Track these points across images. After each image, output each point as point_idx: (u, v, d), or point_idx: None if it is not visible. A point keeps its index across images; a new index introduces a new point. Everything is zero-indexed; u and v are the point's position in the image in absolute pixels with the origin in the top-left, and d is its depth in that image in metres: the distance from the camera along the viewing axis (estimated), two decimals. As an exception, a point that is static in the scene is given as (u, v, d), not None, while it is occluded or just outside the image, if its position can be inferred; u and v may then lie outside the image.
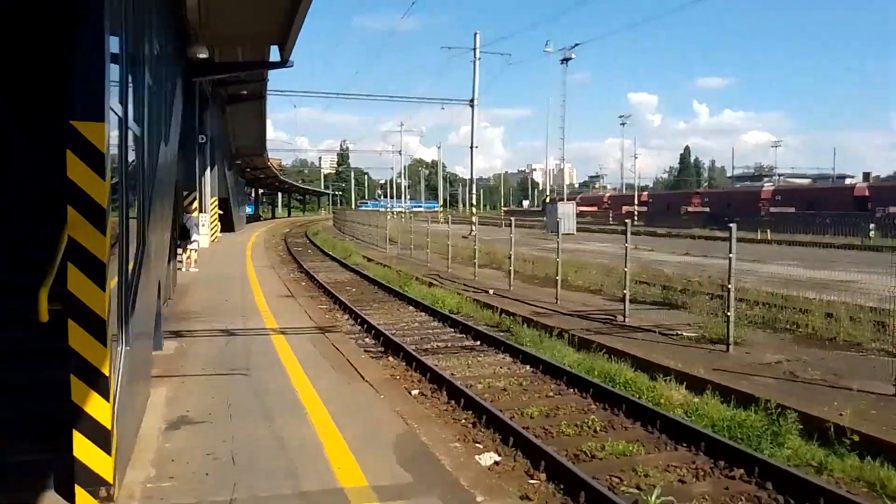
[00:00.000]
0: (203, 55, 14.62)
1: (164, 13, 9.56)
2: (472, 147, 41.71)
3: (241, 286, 16.84)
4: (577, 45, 61.64)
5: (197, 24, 13.32)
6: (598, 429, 7.60)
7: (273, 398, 6.82)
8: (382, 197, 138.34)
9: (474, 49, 43.08)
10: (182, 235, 19.08)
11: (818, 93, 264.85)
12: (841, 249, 30.89)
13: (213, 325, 11.16)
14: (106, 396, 4.34)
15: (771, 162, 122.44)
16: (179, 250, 18.84)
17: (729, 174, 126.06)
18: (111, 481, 4.41)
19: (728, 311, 10.51)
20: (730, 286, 10.52)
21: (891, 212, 48.62)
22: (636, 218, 70.89)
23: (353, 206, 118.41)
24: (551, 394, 9.03)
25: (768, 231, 41.70)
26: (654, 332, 11.83)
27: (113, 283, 4.84)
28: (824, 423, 6.93)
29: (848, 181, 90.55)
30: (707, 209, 73.28)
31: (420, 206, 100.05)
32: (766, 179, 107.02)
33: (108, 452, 4.36)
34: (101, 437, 4.33)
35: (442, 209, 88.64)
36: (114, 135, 4.86)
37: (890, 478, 5.85)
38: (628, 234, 13.45)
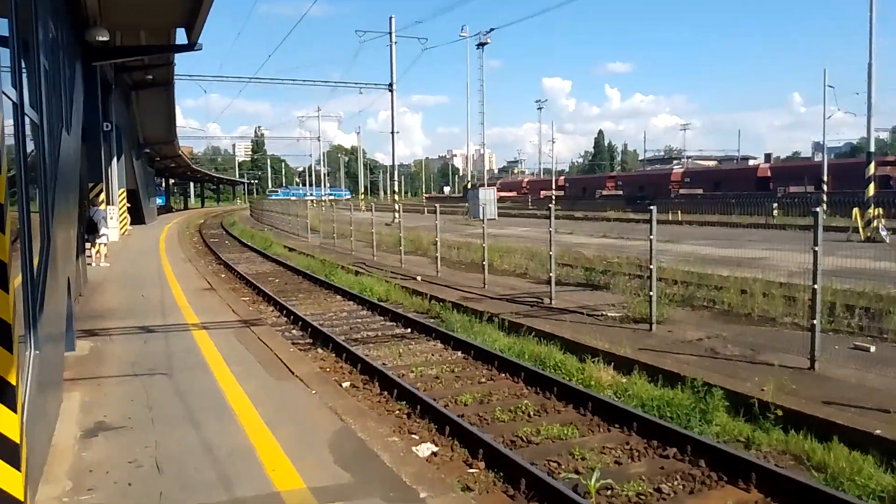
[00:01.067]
0: (103, 38, 13.77)
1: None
2: (392, 132, 41.36)
3: (157, 281, 16.09)
4: (492, 29, 61.79)
5: (96, 6, 12.52)
6: (531, 413, 7.62)
7: (198, 400, 6.48)
8: (301, 185, 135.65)
9: (390, 33, 42.63)
10: (90, 229, 18.08)
11: (719, 75, 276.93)
12: (748, 228, 32.43)
13: (129, 323, 10.58)
14: (13, 407, 3.96)
15: (679, 144, 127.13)
16: (88, 245, 17.84)
17: (641, 157, 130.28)
18: (22, 498, 4.04)
19: (650, 291, 10.74)
20: (651, 267, 10.75)
21: (791, 191, 51.30)
22: (554, 202, 72.26)
23: (234, 197, 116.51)
24: (484, 380, 9.00)
25: (679, 212, 43.27)
26: (581, 313, 12.01)
27: (16, 282, 4.44)
28: (748, 398, 7.16)
29: (751, 162, 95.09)
30: (621, 192, 75.52)
31: (331, 194, 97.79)
32: (675, 162, 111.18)
33: (18, 468, 3.99)
34: (8, 452, 3.95)
35: (363, 196, 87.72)
36: (8, 123, 4.45)
37: (814, 449, 6.10)
38: (552, 218, 13.56)
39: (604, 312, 11.92)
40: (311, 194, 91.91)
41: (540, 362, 9.31)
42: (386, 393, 8.33)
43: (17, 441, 3.94)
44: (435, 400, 7.83)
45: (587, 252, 20.41)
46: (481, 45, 66.43)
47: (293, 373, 7.56)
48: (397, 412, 7.68)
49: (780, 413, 6.81)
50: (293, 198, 79.30)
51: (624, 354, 9.08)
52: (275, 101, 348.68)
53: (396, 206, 41.38)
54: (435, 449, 6.54)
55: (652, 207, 10.88)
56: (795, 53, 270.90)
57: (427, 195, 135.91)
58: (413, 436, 6.90)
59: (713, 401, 7.11)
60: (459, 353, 10.30)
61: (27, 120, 5.23)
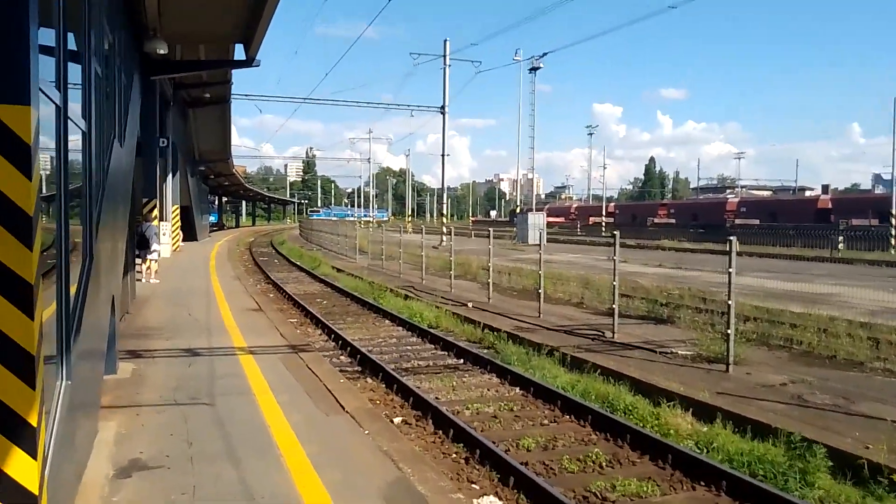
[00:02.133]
0: (162, 51, 13.64)
1: (115, 0, 8.66)
2: (443, 154, 41.04)
3: (205, 299, 15.81)
4: (545, 54, 61.46)
5: (156, 16, 12.36)
6: (603, 464, 6.88)
7: (241, 435, 5.94)
8: (349, 206, 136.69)
9: (444, 56, 42.53)
10: (141, 245, 17.98)
11: (774, 104, 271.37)
12: (811, 261, 30.93)
13: (174, 344, 10.20)
14: (33, 452, 3.45)
15: (732, 173, 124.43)
16: (139, 261, 17.73)
17: (693, 185, 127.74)
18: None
19: (728, 328, 9.90)
20: (730, 302, 9.92)
21: (854, 223, 49.18)
22: (604, 229, 70.96)
23: (301, 215, 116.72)
24: (546, 421, 8.29)
25: (737, 242, 41.70)
26: (647, 349, 11.19)
27: (50, 309, 3.99)
28: (855, 458, 6.30)
29: (808, 193, 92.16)
30: (673, 220, 73.76)
31: (367, 216, 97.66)
32: (728, 191, 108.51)
33: (35, 520, 3.48)
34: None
35: (409, 218, 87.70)
36: (48, 126, 4.02)
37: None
38: (616, 246, 12.81)
39: (673, 350, 11.08)
40: (351, 215, 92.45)
41: (608, 404, 8.55)
42: (441, 433, 7.68)
43: (35, 492, 3.42)
44: (495, 443, 7.15)
45: (644, 282, 19.50)
46: (534, 69, 66.11)
47: (343, 407, 6.98)
48: (454, 456, 7.02)
49: (895, 478, 5.94)
50: (334, 218, 79.85)
51: (702, 399, 8.25)
52: (326, 121, 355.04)
53: (444, 229, 40.95)
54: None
55: (731, 238, 10.07)
56: (853, 83, 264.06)
57: (473, 218, 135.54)
58: (473, 485, 6.23)
59: (815, 459, 6.26)
60: (518, 390, 9.60)
61: (73, 127, 4.82)
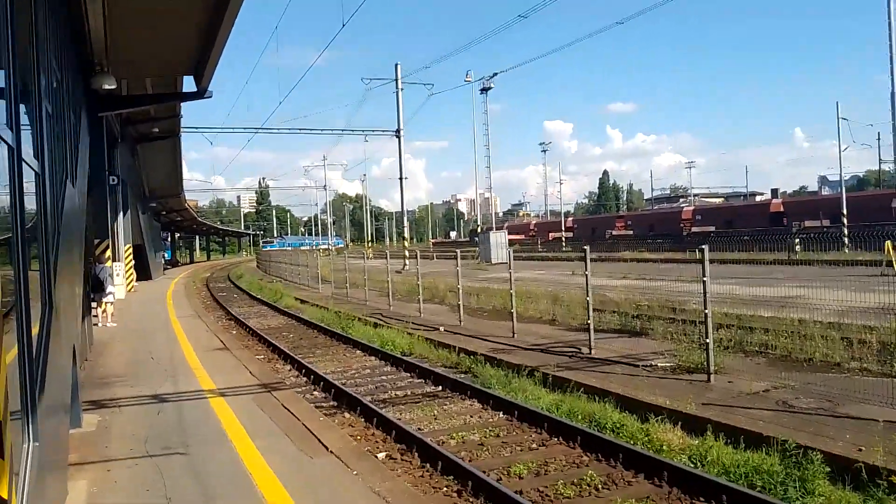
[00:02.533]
0: (110, 86, 13.20)
1: (62, 37, 8.30)
2: (401, 178, 40.90)
3: (165, 340, 15.25)
4: (495, 74, 61.94)
5: (102, 51, 11.95)
6: (598, 486, 6.68)
7: (223, 486, 5.58)
8: (306, 234, 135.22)
9: (396, 80, 42.65)
10: (95, 288, 17.30)
11: (720, 113, 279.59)
12: (771, 265, 31.48)
13: (139, 391, 9.71)
14: (2, 530, 3.11)
15: (683, 182, 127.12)
16: (94, 304, 17.05)
17: (647, 196, 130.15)
18: None
19: (707, 337, 9.85)
20: (706, 311, 9.89)
21: (807, 226, 50.51)
22: (564, 243, 71.61)
23: (257, 247, 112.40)
24: (535, 445, 8.07)
25: (696, 251, 42.38)
26: (626, 363, 11.10)
27: (10, 357, 3.65)
28: (852, 462, 6.23)
29: (758, 198, 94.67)
30: (631, 231, 74.88)
31: (322, 243, 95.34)
32: (681, 200, 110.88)
33: None
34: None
35: (370, 244, 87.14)
36: (1, 166, 3.71)
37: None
38: (588, 262, 12.72)
39: (652, 362, 11.01)
40: (306, 244, 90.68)
41: (595, 423, 8.38)
42: (429, 466, 7.39)
43: (5, 575, 3.07)
44: (486, 473, 6.91)
45: (612, 295, 19.51)
46: (485, 89, 66.85)
47: (327, 448, 6.66)
48: (445, 490, 6.75)
49: (895, 479, 5.87)
50: (289, 248, 78.39)
51: (690, 412, 8.15)
52: (279, 151, 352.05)
53: (407, 253, 40.69)
54: (498, 536, 5.61)
55: (703, 247, 10.08)
56: (795, 89, 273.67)
57: (433, 240, 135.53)
58: (469, 519, 5.98)
59: (813, 466, 6.17)
60: (501, 415, 9.37)
61: (26, 169, 4.49)
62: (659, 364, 10.83)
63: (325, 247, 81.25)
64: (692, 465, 6.88)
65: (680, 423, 8.00)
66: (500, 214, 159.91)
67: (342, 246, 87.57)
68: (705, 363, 9.91)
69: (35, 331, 4.42)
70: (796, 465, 6.36)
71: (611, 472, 7.01)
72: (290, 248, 76.86)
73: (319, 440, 6.89)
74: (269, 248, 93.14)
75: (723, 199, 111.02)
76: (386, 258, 25.24)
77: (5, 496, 3.08)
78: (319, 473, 5.89)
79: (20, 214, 4.07)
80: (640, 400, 8.87)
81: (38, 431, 4.12)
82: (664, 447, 7.40)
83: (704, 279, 9.93)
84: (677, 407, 8.37)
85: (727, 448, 7.14)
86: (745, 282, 20.71)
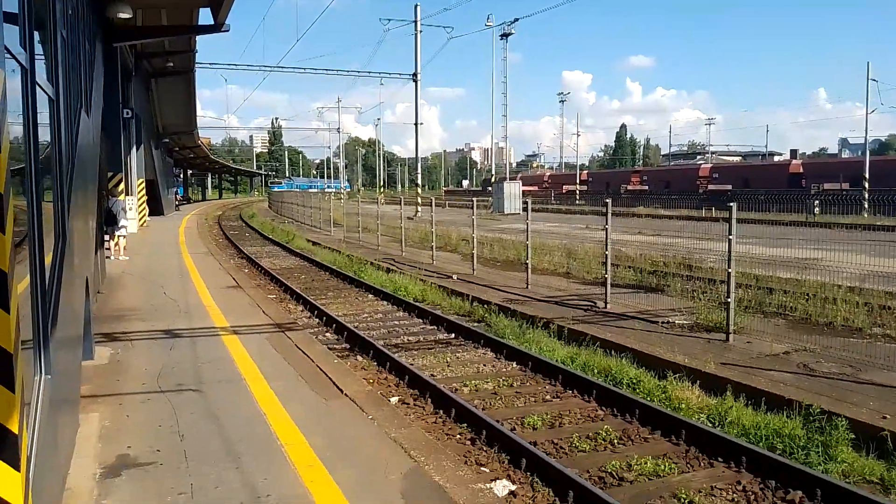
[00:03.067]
0: (125, 14, 12.80)
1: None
2: (416, 123, 40.35)
3: (179, 276, 15.21)
4: (516, 20, 60.39)
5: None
6: (614, 441, 6.60)
7: (237, 427, 5.52)
8: (318, 177, 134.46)
9: (415, 21, 41.65)
10: (108, 221, 17.24)
11: (741, 71, 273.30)
12: (790, 226, 30.98)
13: (152, 325, 9.68)
14: (15, 463, 3.00)
15: (702, 139, 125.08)
16: (107, 237, 17.01)
17: (664, 153, 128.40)
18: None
19: (728, 296, 9.67)
20: (729, 270, 9.69)
21: (826, 188, 49.70)
22: (578, 197, 71.01)
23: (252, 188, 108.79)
24: (549, 397, 7.99)
25: (713, 209, 41.85)
26: (642, 319, 10.96)
27: (22, 288, 3.52)
28: (878, 430, 6.10)
29: (776, 158, 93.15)
30: (646, 187, 74.01)
31: (332, 186, 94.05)
32: (698, 157, 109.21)
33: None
34: (7, 521, 3.00)
35: (383, 189, 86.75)
36: (14, 89, 3.50)
37: None
38: (609, 215, 12.47)
39: (669, 319, 10.86)
40: (314, 186, 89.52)
41: (611, 378, 8.27)
42: (442, 412, 7.34)
43: (19, 507, 2.99)
44: (499, 422, 6.84)
45: (627, 250, 19.28)
46: (505, 35, 65.22)
47: (342, 391, 6.58)
48: (458, 437, 6.69)
49: (920, 450, 5.75)
50: (296, 190, 77.60)
51: (709, 371, 8.03)
52: (292, 93, 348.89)
53: (420, 200, 40.43)
54: (513, 487, 5.54)
55: (732, 205, 9.78)
56: (819, 49, 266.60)
57: (445, 188, 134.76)
58: (482, 468, 5.90)
59: (837, 432, 6.04)
60: (515, 365, 9.29)
61: (40, 93, 4.28)
62: (677, 321, 10.69)
63: (331, 190, 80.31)
64: (711, 425, 6.77)
65: (698, 381, 7.88)
66: (514, 165, 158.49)
67: (349, 190, 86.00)
68: (724, 322, 9.76)
69: (48, 262, 4.28)
70: (819, 430, 6.24)
71: (627, 427, 6.92)
72: (297, 190, 76.23)
73: (337, 386, 6.80)
74: (276, 189, 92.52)
75: (741, 157, 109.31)
76: (400, 204, 25.02)
77: (16, 431, 2.97)
78: (335, 418, 5.82)
79: (34, 141, 3.88)
80: (657, 356, 8.75)
81: (51, 364, 4.02)
82: (682, 405, 7.29)
83: (730, 237, 9.69)
84: (696, 365, 8.25)
85: (747, 409, 7.04)
86: (763, 242, 20.42)
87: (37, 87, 4.05)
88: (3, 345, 2.88)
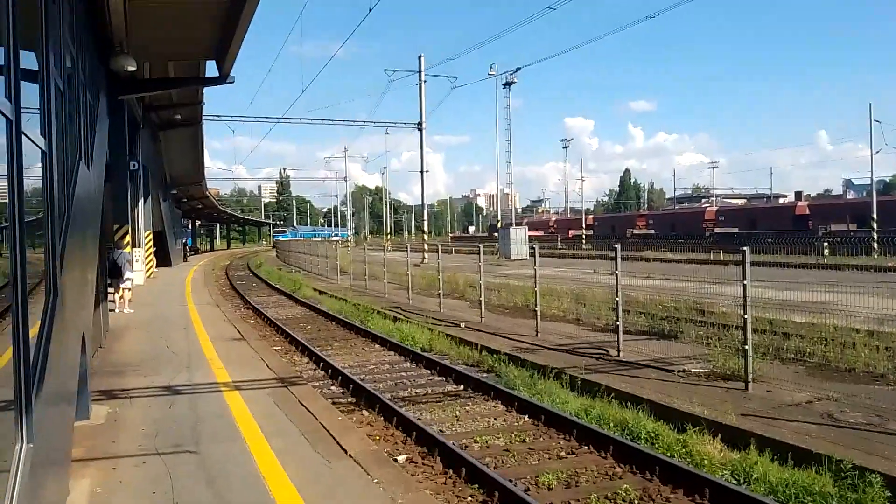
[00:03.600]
0: (131, 68, 12.87)
1: (77, 13, 7.94)
2: (422, 171, 40.49)
3: (183, 328, 14.98)
4: (518, 69, 61.16)
5: (122, 29, 11.59)
6: (634, 501, 6.25)
7: (235, 492, 5.21)
8: (325, 225, 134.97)
9: (420, 71, 42.17)
10: (113, 273, 17.09)
11: (742, 113, 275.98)
12: (800, 269, 30.63)
13: (152, 381, 9.41)
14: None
15: (705, 182, 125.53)
16: (111, 290, 16.84)
17: (668, 196, 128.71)
18: None
19: (745, 343, 9.35)
20: (746, 316, 9.37)
21: (833, 229, 49.42)
22: (584, 241, 70.86)
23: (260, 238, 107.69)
24: (563, 453, 7.63)
25: (721, 252, 41.54)
26: (656, 368, 10.61)
27: (6, 358, 3.31)
28: (915, 487, 5.73)
29: (781, 200, 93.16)
30: (652, 231, 73.88)
31: (337, 235, 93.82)
32: (703, 200, 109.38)
33: None
34: None
35: (389, 236, 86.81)
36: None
37: None
38: (618, 259, 12.23)
39: (684, 367, 10.52)
40: (317, 234, 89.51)
41: (628, 432, 7.92)
42: (451, 472, 6.99)
43: None
44: (513, 482, 6.50)
45: (635, 294, 18.96)
46: (508, 84, 66.06)
47: (346, 451, 6.26)
48: (469, 499, 6.34)
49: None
50: (300, 238, 77.61)
51: (730, 423, 7.66)
52: (300, 143, 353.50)
53: (426, 246, 40.31)
54: (529, 555, 5.19)
55: (745, 249, 9.53)
56: (819, 91, 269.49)
57: (452, 234, 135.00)
58: (497, 534, 5.56)
59: (872, 490, 5.67)
60: (527, 418, 8.94)
61: (29, 145, 4.12)
62: (692, 370, 10.33)
63: (336, 238, 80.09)
64: (735, 482, 6.41)
65: (720, 434, 7.52)
66: (519, 210, 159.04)
67: (355, 237, 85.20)
68: (742, 370, 9.42)
69: (34, 325, 4.05)
70: (851, 487, 5.87)
71: (647, 486, 6.56)
72: (302, 239, 76.29)
73: (340, 444, 6.49)
74: (280, 238, 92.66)
75: (745, 199, 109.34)
76: (406, 251, 24.86)
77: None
78: (338, 481, 5.49)
79: (18, 195, 3.69)
80: (675, 408, 8.40)
81: (34, 431, 3.76)
82: (704, 461, 6.93)
83: (745, 282, 9.41)
84: (715, 417, 7.89)
85: (773, 464, 6.67)
86: (775, 285, 20.09)
87: (24, 140, 3.89)
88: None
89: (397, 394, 10.39)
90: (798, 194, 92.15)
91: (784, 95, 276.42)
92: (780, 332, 12.46)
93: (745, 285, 9.42)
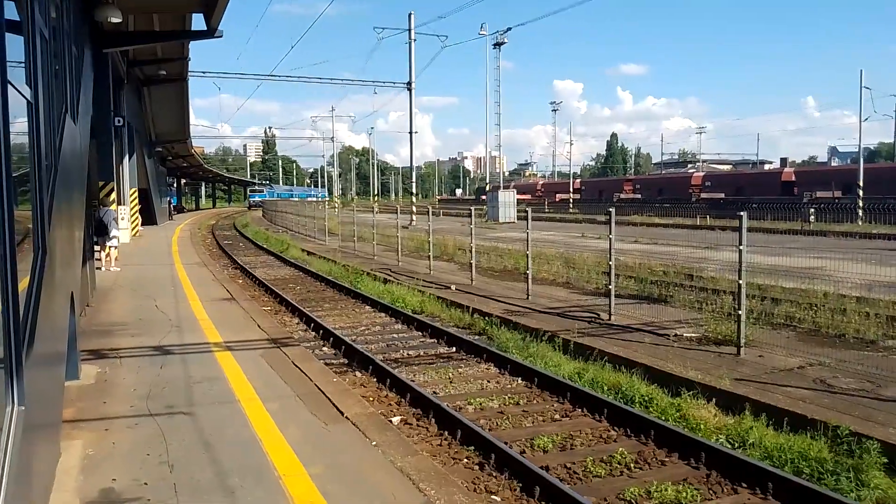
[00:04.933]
0: (116, 19, 12.43)
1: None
2: (411, 132, 40.04)
3: (171, 287, 14.80)
4: (509, 29, 60.18)
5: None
6: (630, 465, 6.25)
7: (231, 454, 5.14)
8: (312, 185, 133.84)
9: (409, 29, 41.40)
10: (99, 231, 16.82)
11: (731, 79, 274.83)
12: (786, 235, 30.80)
13: (142, 341, 9.28)
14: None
15: (692, 147, 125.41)
16: (97, 248, 16.58)
17: (655, 161, 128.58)
18: None
19: (738, 308, 9.35)
20: (740, 282, 9.36)
21: (818, 196, 49.63)
22: (572, 205, 70.86)
23: (245, 197, 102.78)
24: (558, 416, 7.63)
25: (707, 217, 41.67)
26: (648, 332, 10.62)
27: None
28: (910, 453, 5.77)
29: (767, 166, 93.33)
30: (639, 195, 73.92)
31: (313, 195, 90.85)
32: (689, 166, 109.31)
33: None
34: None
35: (376, 198, 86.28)
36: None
37: None
38: (612, 223, 12.15)
39: (675, 331, 10.53)
40: (295, 195, 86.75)
41: (622, 395, 7.93)
42: (447, 434, 6.97)
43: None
44: (508, 444, 6.48)
45: (625, 259, 18.96)
46: (498, 44, 65.10)
47: (342, 413, 6.21)
48: (465, 461, 6.32)
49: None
50: (276, 199, 74.51)
51: (724, 388, 7.68)
52: (285, 102, 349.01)
53: (414, 209, 40.10)
54: (528, 519, 5.18)
55: (742, 214, 9.46)
56: (808, 57, 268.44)
57: (439, 197, 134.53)
58: (494, 497, 5.55)
59: (869, 457, 5.70)
60: (520, 381, 8.93)
61: (15, 95, 3.92)
62: (685, 334, 10.35)
63: (312, 199, 76.68)
64: (731, 447, 6.43)
65: (714, 399, 7.54)
66: (507, 174, 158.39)
67: (326, 199, 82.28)
68: (734, 335, 9.44)
69: (23, 282, 3.90)
70: (848, 452, 5.90)
71: (642, 449, 6.57)
72: (278, 199, 73.43)
73: (337, 407, 6.42)
74: (256, 198, 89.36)
75: (731, 166, 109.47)
76: (396, 213, 24.68)
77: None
78: (336, 444, 5.43)
79: (5, 146, 3.51)
80: (668, 372, 8.40)
81: (24, 393, 3.64)
82: (699, 425, 6.95)
83: (740, 248, 9.37)
84: (710, 381, 7.91)
85: (768, 429, 6.70)
86: (762, 251, 20.13)
87: (9, 88, 3.68)
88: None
89: (390, 355, 10.34)
90: (784, 161, 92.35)
91: (775, 60, 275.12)
92: (770, 298, 12.49)
93: (740, 251, 9.37)
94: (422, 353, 10.57)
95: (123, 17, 13.21)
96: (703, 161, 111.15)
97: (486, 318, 12.26)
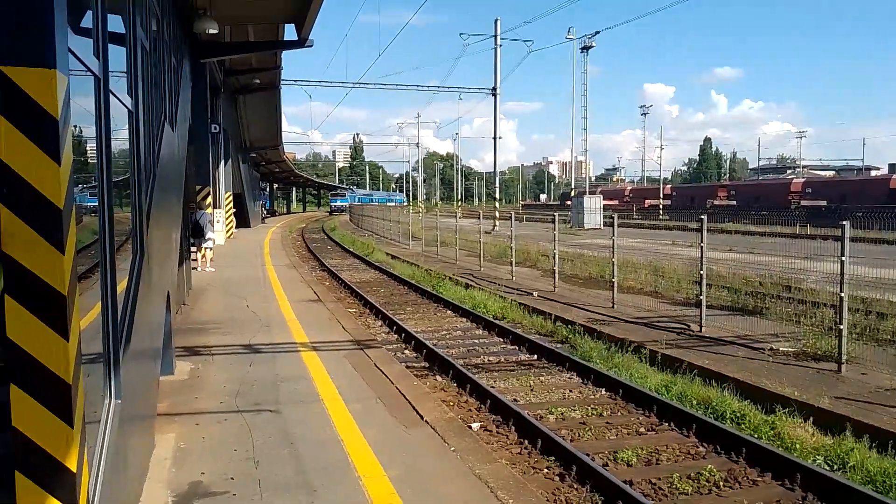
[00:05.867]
0: (213, 31, 13.01)
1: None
2: (495, 137, 40.01)
3: (261, 288, 15.32)
4: (597, 32, 59.43)
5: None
6: (719, 483, 5.98)
7: (313, 453, 5.24)
8: (397, 190, 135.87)
9: (495, 35, 41.40)
10: (195, 233, 17.60)
11: (832, 82, 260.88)
12: (894, 245, 28.88)
13: (233, 339, 9.63)
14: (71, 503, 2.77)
15: (791, 153, 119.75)
16: (193, 249, 17.37)
17: (751, 166, 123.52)
18: None
19: (840, 323, 8.81)
20: (842, 294, 8.83)
21: (933, 204, 46.30)
22: (661, 212, 69.00)
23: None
24: (643, 429, 7.40)
25: (808, 226, 39.60)
26: (741, 345, 10.17)
27: (91, 317, 3.32)
28: None
29: (873, 173, 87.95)
30: (734, 202, 71.11)
31: (390, 200, 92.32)
32: (789, 172, 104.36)
33: None
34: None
35: (460, 203, 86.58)
36: (86, 101, 3.32)
37: None
38: (704, 231, 11.74)
39: (770, 345, 10.03)
40: (375, 200, 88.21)
41: (712, 411, 7.61)
42: (527, 442, 6.87)
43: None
44: (590, 456, 6.33)
45: (717, 268, 18.24)
46: (586, 48, 64.26)
47: (422, 417, 6.23)
48: (545, 472, 6.21)
49: None
50: (357, 203, 76.58)
51: (823, 406, 7.25)
52: (372, 109, 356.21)
53: (497, 214, 40.00)
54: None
55: (844, 223, 8.94)
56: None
57: (523, 202, 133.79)
58: (574, 510, 5.42)
59: None
60: (604, 391, 8.72)
61: (116, 104, 4.13)
62: (780, 348, 9.85)
63: (391, 204, 78.15)
64: (829, 469, 6.06)
65: (811, 417, 7.13)
66: (593, 179, 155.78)
67: (405, 204, 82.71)
68: (835, 351, 8.90)
69: (121, 283, 4.10)
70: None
71: (732, 467, 6.28)
72: (358, 204, 75.54)
73: (416, 410, 6.45)
74: (337, 202, 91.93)
75: (834, 172, 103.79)
76: (479, 218, 24.67)
77: (73, 468, 2.73)
78: (415, 447, 5.46)
79: (107, 153, 3.70)
80: (762, 388, 8.01)
81: (121, 387, 3.82)
82: (794, 445, 6.58)
83: (843, 258, 8.84)
84: (807, 399, 7.48)
85: (871, 452, 6.27)
86: (867, 262, 18.88)
87: (112, 98, 3.88)
88: (61, 374, 2.65)
89: (470, 361, 10.32)
90: (893, 167, 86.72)
91: (880, 63, 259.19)
92: (874, 312, 11.72)
93: (842, 262, 8.85)
94: (502, 360, 10.50)
95: (220, 29, 13.83)
96: (804, 167, 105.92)
97: (569, 325, 12.06)
